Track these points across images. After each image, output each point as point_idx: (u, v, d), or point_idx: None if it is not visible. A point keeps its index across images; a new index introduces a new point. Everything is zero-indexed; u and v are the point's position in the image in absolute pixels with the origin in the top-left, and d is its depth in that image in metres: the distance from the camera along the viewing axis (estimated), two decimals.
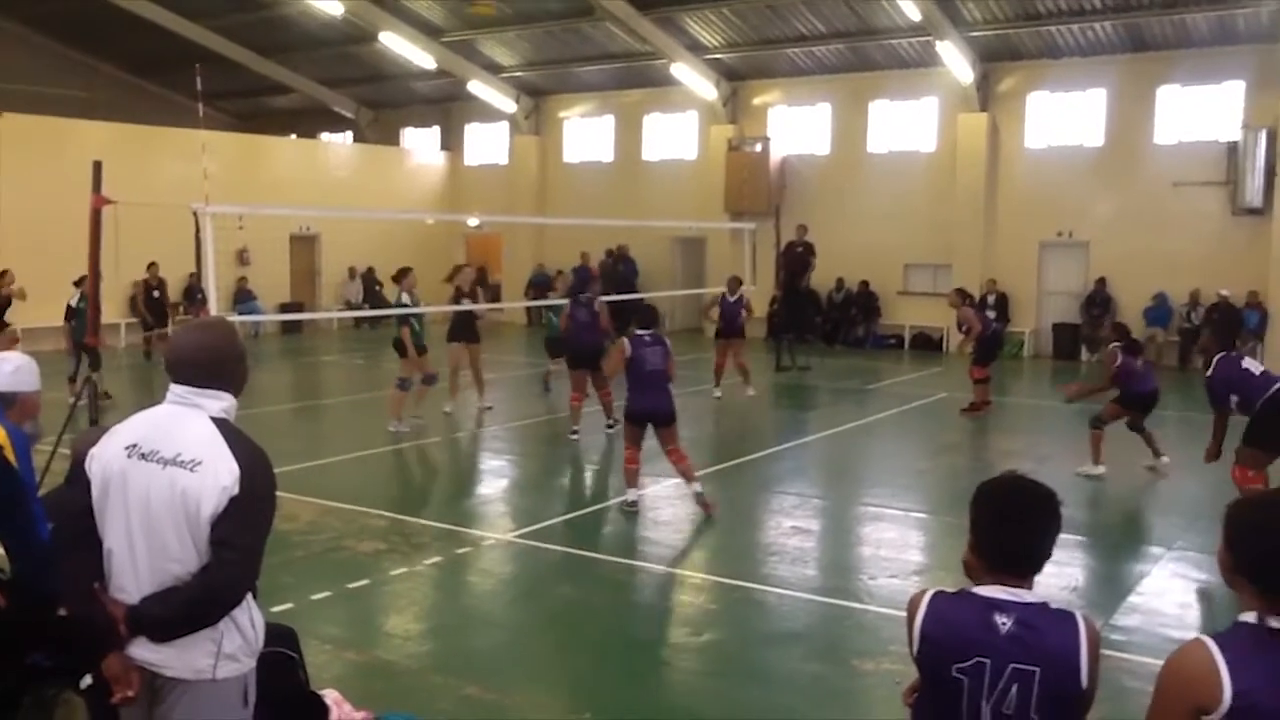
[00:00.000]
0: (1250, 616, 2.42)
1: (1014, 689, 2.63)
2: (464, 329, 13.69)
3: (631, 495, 9.26)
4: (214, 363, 3.16)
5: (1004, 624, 2.65)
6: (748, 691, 5.77)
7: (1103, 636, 6.06)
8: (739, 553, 8.34)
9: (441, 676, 5.81)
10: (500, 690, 5.63)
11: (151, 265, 18.61)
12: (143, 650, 3.04)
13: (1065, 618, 2.70)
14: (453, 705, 5.33)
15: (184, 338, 3.26)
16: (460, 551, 8.14)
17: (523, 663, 6.23)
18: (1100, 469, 10.64)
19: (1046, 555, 2.74)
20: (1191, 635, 2.50)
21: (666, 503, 9.69)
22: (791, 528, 8.92)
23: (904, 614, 2.86)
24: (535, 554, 8.22)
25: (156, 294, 19.05)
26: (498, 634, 6.71)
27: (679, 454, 9.14)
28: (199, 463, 3.01)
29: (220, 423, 3.11)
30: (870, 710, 5.58)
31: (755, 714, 5.49)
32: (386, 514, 9.13)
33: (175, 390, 3.16)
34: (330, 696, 4.87)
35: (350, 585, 7.24)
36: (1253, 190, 19.38)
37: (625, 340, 9.34)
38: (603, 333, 13.09)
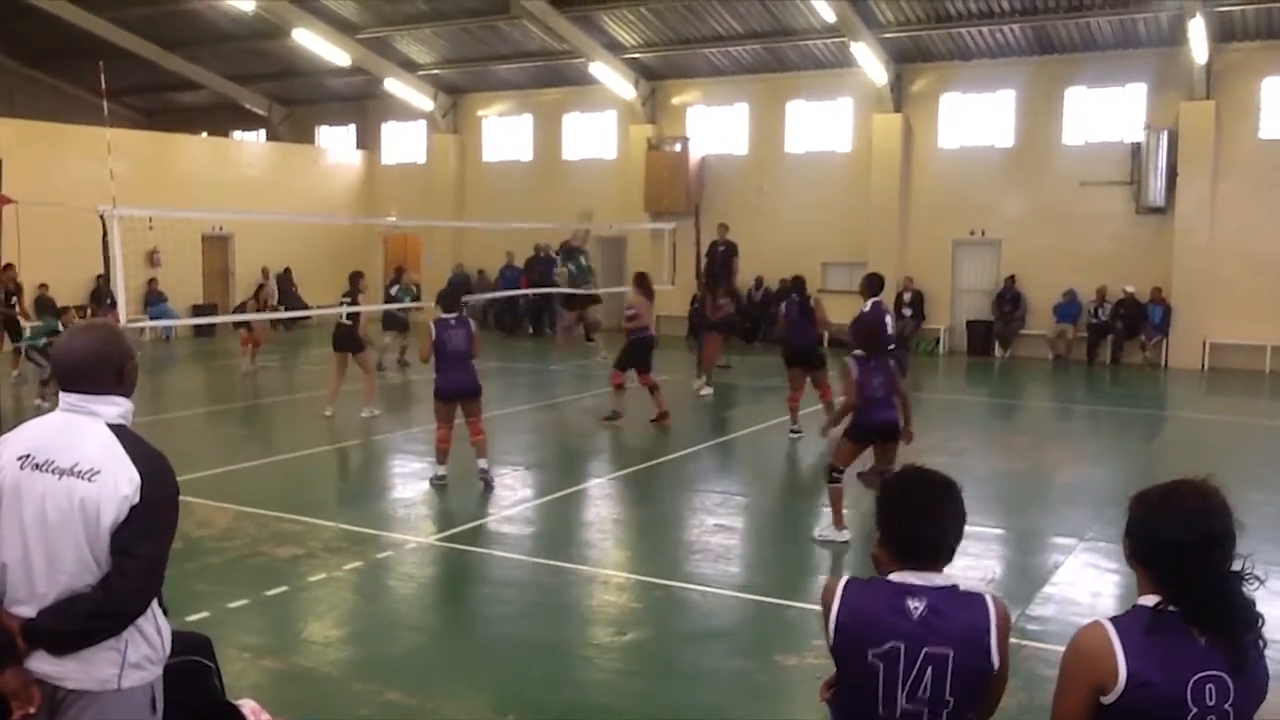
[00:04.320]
0: (1147, 600, 2.53)
1: (929, 672, 2.67)
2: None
3: (440, 471, 9.84)
4: (103, 366, 3.05)
5: (916, 608, 2.69)
6: (671, 690, 5.79)
7: (1019, 626, 6.25)
8: (662, 551, 8.36)
9: (362, 683, 5.72)
10: (422, 695, 5.56)
11: (8, 268, 15.41)
12: (43, 663, 2.94)
13: (975, 598, 2.76)
14: (374, 712, 5.25)
15: (69, 343, 3.14)
16: (380, 556, 8.02)
17: (445, 666, 6.17)
18: None
19: (952, 545, 2.78)
20: None
21: (590, 502, 9.67)
22: (714, 525, 8.96)
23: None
24: (457, 557, 8.15)
25: (14, 302, 16.54)
26: (419, 638, 6.63)
27: (477, 427, 9.79)
28: (97, 472, 2.91)
29: (118, 429, 3.01)
30: (793, 705, 5.61)
31: (679, 712, 5.50)
32: (304, 519, 8.94)
33: (67, 398, 3.05)
34: (247, 706, 4.75)
35: (268, 592, 7.08)
36: (1155, 190, 19.98)
37: (430, 324, 9.85)
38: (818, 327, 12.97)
